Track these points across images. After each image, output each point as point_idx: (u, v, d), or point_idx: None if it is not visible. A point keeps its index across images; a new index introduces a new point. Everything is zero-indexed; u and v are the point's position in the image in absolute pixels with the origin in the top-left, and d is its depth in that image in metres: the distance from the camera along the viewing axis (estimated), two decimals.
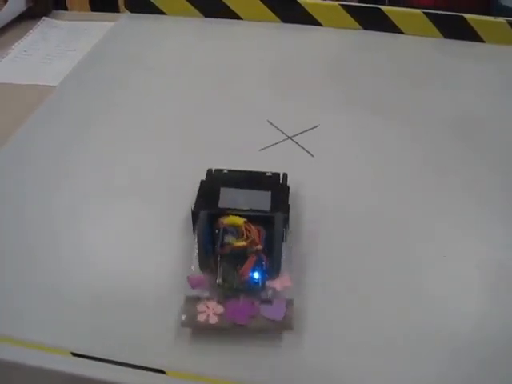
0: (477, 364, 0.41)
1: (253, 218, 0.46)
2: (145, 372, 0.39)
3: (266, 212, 0.48)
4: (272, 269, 0.45)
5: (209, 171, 0.53)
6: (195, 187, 0.51)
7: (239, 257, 0.44)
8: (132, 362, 0.39)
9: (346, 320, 0.44)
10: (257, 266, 0.44)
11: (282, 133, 0.61)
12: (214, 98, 0.68)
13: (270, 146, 0.60)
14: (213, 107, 0.67)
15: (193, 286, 0.44)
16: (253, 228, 0.46)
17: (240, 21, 0.84)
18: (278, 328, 0.42)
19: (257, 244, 0.45)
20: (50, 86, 0.71)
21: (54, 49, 0.81)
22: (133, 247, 0.50)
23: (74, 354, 0.40)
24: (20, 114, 0.65)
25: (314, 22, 0.83)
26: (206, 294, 0.43)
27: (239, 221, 0.46)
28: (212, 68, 0.74)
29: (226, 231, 0.45)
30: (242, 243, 0.45)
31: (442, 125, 0.64)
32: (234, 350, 0.42)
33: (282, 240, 0.46)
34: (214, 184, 0.51)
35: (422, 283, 0.46)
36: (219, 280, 0.44)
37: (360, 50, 0.79)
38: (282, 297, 0.43)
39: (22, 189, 0.55)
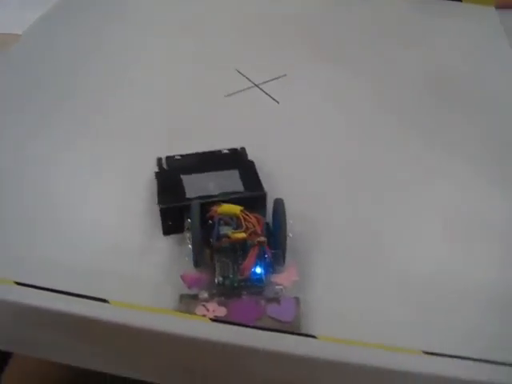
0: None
1: (244, 201, 0.41)
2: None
3: (242, 193, 0.43)
4: (276, 262, 0.40)
5: (159, 160, 0.48)
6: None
7: (238, 250, 0.39)
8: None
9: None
10: (259, 259, 0.39)
11: (249, 81, 0.60)
12: (183, 45, 0.67)
13: (236, 93, 0.59)
14: (182, 55, 0.66)
15: (189, 286, 0.39)
16: (251, 217, 0.40)
17: None
18: (287, 329, 0.37)
19: (258, 235, 0.39)
20: (15, 34, 0.69)
21: None
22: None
23: (18, 283, 0.39)
24: None
25: None
26: (205, 296, 0.38)
27: (235, 209, 0.40)
28: (182, 20, 0.73)
29: (220, 222, 0.40)
30: (241, 235, 0.39)
31: (414, 82, 0.63)
32: None
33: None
34: (171, 173, 0.46)
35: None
36: (218, 278, 0.38)
37: (334, 7, 0.77)
38: (289, 294, 0.38)
39: None
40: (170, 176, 0.46)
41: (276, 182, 0.47)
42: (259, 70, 0.62)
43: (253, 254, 0.39)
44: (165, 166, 0.48)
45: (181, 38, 0.69)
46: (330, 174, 0.51)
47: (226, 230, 0.39)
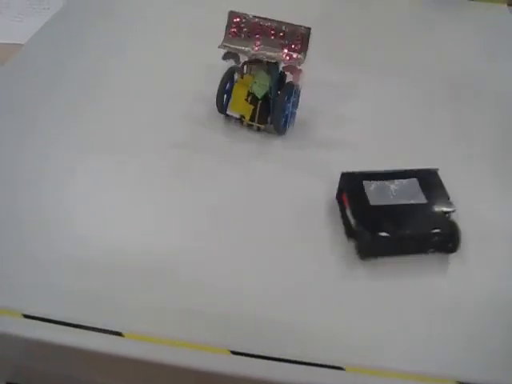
0: None
1: None
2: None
3: None
4: None
5: None
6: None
7: None
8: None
9: None
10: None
11: None
12: (191, 51, 0.65)
13: None
14: (190, 59, 0.63)
15: None
16: None
17: None
18: None
19: None
20: (17, 44, 0.67)
21: (27, 6, 0.77)
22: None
23: (26, 316, 0.37)
24: None
25: None
26: None
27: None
28: (185, 24, 0.71)
29: None
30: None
31: (428, 81, 0.61)
32: None
33: None
34: None
35: None
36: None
37: (346, 5, 0.75)
38: None
39: None
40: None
41: None
42: None
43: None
44: None
45: (190, 40, 0.67)
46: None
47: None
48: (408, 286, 0.40)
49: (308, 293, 0.40)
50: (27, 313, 0.37)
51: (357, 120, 0.56)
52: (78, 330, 0.36)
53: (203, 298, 0.39)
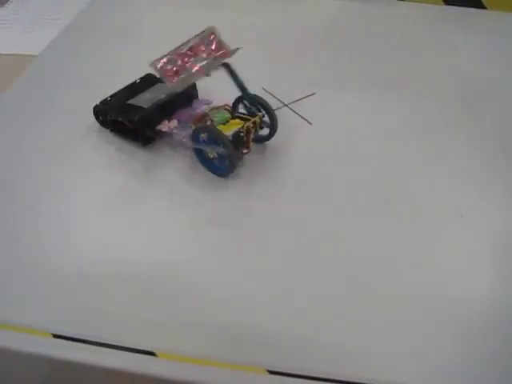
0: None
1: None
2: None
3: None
4: None
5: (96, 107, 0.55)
6: None
7: None
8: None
9: None
10: None
11: (278, 100, 0.58)
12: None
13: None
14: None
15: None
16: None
17: None
18: None
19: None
20: (31, 55, 0.67)
21: (38, 17, 0.77)
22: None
23: (56, 336, 0.36)
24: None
25: None
26: None
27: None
28: None
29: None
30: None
31: (443, 93, 0.61)
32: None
33: None
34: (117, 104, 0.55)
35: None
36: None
37: (357, 19, 0.75)
38: None
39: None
40: (120, 105, 0.54)
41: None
42: (286, 89, 0.59)
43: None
44: (107, 106, 0.55)
45: None
46: (364, 198, 0.48)
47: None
48: None
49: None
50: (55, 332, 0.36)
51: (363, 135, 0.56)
52: (111, 350, 0.35)
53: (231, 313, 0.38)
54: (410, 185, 0.50)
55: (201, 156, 0.51)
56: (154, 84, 0.56)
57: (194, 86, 0.55)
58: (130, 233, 0.45)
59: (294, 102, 0.57)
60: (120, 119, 0.53)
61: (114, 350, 0.35)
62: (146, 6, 0.77)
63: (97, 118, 0.56)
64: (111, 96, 0.56)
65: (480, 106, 0.59)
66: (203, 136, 0.49)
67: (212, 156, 0.49)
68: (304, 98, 0.58)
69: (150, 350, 0.35)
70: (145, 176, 0.51)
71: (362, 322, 0.39)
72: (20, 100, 0.60)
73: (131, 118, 0.52)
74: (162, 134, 0.52)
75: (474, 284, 0.41)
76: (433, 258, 0.43)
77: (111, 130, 0.56)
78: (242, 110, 0.53)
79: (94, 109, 0.55)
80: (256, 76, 0.61)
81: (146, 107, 0.53)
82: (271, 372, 0.35)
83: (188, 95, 0.55)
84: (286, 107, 0.57)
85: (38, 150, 0.54)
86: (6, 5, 0.80)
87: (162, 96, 0.54)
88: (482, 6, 0.76)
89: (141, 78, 0.58)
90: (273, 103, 0.57)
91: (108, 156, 0.53)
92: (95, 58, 0.66)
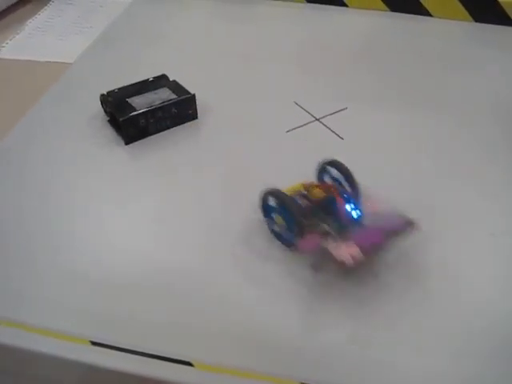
0: None
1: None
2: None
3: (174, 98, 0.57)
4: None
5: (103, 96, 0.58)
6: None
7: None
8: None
9: None
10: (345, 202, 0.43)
11: (310, 114, 0.58)
12: (238, 79, 0.66)
13: (297, 128, 0.57)
14: (238, 89, 0.64)
15: (306, 249, 0.42)
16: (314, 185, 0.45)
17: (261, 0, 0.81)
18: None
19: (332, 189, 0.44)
20: (65, 63, 0.68)
21: (70, 25, 0.78)
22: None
23: (94, 343, 0.37)
24: (34, 92, 0.62)
25: (339, 2, 0.79)
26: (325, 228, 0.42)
27: (298, 185, 0.45)
28: (234, 48, 0.71)
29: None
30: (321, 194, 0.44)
31: (476, 112, 0.60)
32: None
33: None
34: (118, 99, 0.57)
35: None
36: (324, 225, 0.42)
37: (388, 33, 0.75)
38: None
39: (32, 168, 0.53)
40: (119, 100, 0.57)
41: None
42: (318, 104, 0.60)
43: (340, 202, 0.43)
44: (110, 97, 0.58)
45: (231, 68, 0.67)
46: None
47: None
48: None
49: None
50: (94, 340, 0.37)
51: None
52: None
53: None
54: (437, 199, 0.50)
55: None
56: (162, 86, 0.59)
57: (193, 101, 0.58)
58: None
59: (325, 116, 0.58)
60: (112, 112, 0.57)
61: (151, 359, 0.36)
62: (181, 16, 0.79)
63: (102, 105, 0.59)
64: (119, 88, 0.59)
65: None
66: None
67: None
68: (335, 112, 0.59)
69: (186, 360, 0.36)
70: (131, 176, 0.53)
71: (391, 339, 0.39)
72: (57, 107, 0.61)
73: (120, 115, 0.55)
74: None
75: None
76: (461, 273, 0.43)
77: (108, 121, 0.58)
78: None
79: (100, 97, 0.58)
80: (288, 89, 0.63)
81: (138, 109, 0.55)
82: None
83: (185, 108, 0.58)
84: (317, 121, 0.58)
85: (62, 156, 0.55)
86: (40, 12, 0.81)
87: (158, 102, 0.56)
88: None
89: (154, 78, 0.61)
90: (304, 117, 0.58)
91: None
92: (129, 65, 0.67)
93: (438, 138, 0.57)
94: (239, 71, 0.67)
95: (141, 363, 0.36)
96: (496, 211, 0.49)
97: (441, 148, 0.56)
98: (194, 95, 0.58)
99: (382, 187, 0.49)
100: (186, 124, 0.58)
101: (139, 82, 0.60)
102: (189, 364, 0.35)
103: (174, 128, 0.58)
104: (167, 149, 0.55)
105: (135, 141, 0.56)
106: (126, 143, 0.56)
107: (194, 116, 0.59)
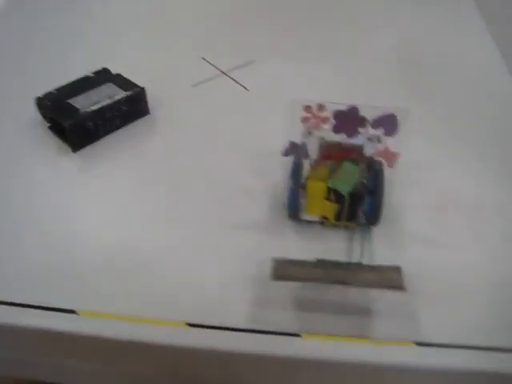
0: None
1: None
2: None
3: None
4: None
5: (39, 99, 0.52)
6: None
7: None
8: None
9: None
10: None
11: (216, 68, 0.63)
12: (148, 32, 0.67)
13: (203, 82, 0.61)
14: (148, 43, 0.65)
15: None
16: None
17: None
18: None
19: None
20: None
21: None
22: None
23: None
24: None
25: None
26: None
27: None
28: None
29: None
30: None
31: (381, 54, 0.65)
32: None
33: None
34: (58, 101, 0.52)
35: None
36: None
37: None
38: None
39: None
40: (59, 103, 0.52)
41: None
42: (226, 57, 0.63)
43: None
44: (47, 101, 0.53)
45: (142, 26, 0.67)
46: None
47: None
48: None
49: None
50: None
51: None
52: None
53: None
54: None
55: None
56: (105, 82, 0.54)
57: (143, 96, 0.53)
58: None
59: (232, 69, 0.63)
60: (53, 118, 0.51)
61: None
62: None
63: (39, 110, 0.54)
64: (57, 89, 0.53)
65: (417, 62, 0.64)
66: None
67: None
68: (242, 65, 0.64)
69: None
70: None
71: None
72: None
73: (63, 120, 0.50)
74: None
75: None
76: None
77: (49, 127, 0.54)
78: None
79: (36, 101, 0.53)
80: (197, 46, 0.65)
81: (83, 111, 0.51)
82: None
83: (135, 103, 0.53)
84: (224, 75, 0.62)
85: None
86: None
87: (106, 100, 0.52)
88: None
89: (95, 73, 0.56)
90: (212, 71, 0.62)
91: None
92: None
93: (346, 85, 0.59)
94: (150, 26, 0.68)
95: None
96: None
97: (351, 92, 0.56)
98: (143, 89, 0.54)
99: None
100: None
101: (78, 80, 0.55)
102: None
103: (126, 126, 0.55)
104: (120, 152, 0.53)
105: (84, 147, 0.52)
106: (74, 150, 0.52)
107: (145, 111, 0.55)
